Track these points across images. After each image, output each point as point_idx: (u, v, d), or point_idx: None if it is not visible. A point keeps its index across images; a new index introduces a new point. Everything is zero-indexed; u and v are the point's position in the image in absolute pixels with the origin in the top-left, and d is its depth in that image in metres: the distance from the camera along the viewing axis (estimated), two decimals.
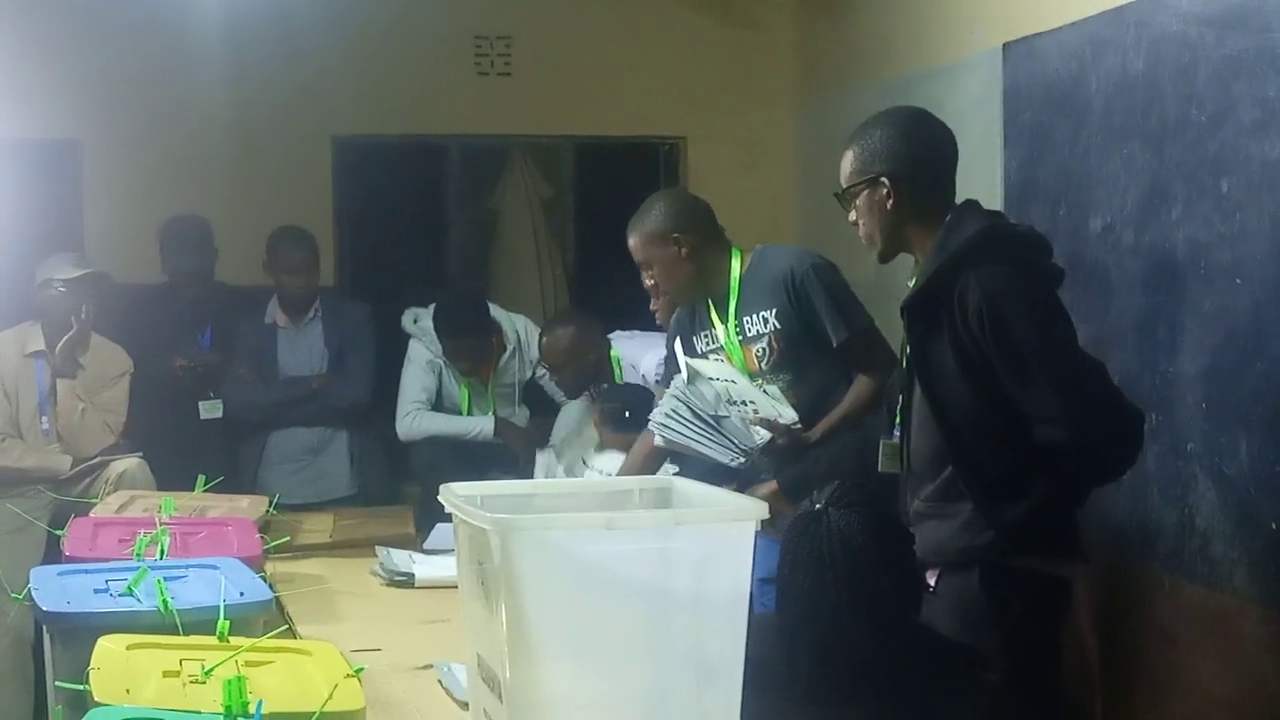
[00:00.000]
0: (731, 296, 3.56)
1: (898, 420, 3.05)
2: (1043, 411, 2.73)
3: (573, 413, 4.93)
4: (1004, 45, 4.20)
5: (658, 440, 3.53)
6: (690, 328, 3.71)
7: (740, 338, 3.55)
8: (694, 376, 3.44)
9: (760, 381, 3.54)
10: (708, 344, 3.65)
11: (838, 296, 3.53)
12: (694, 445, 3.42)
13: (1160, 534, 3.43)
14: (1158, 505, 3.42)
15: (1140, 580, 3.54)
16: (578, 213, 6.75)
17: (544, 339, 4.67)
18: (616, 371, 4.60)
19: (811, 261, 3.54)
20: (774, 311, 3.47)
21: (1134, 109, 3.53)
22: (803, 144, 6.02)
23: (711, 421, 3.38)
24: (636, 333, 4.66)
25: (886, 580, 2.28)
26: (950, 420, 2.82)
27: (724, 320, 3.58)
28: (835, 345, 3.45)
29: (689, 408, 3.40)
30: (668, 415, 3.44)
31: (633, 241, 3.67)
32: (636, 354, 4.50)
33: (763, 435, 3.37)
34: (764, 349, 3.51)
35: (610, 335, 4.63)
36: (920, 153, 2.96)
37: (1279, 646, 3.06)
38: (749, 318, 3.53)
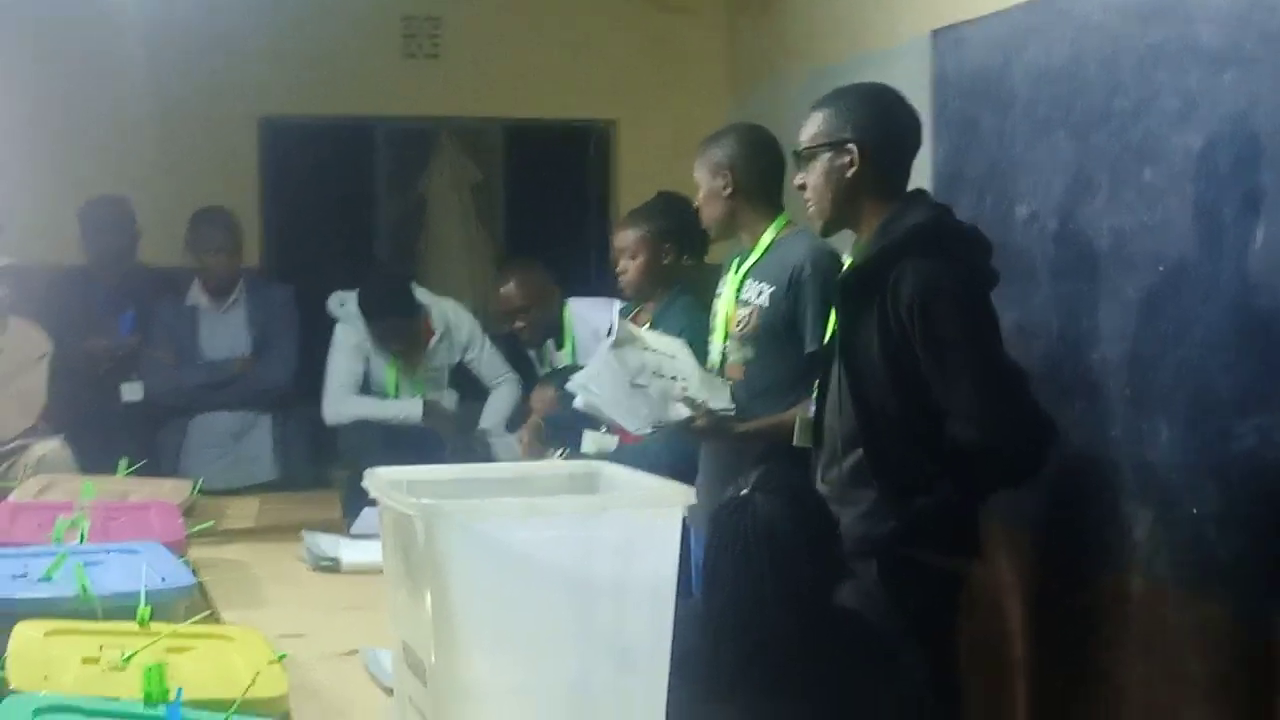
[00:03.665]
0: (752, 255, 3.55)
1: (815, 395, 3.07)
2: (957, 408, 2.76)
3: (502, 395, 4.94)
4: (932, 33, 4.22)
5: (577, 402, 3.53)
6: (728, 266, 3.69)
7: (737, 296, 3.54)
8: (623, 341, 3.44)
9: (721, 353, 3.53)
10: (721, 286, 3.66)
11: (829, 306, 3.50)
12: (605, 410, 3.44)
13: (1082, 520, 3.46)
14: (1080, 490, 3.45)
15: (1062, 565, 3.58)
16: (507, 196, 6.76)
17: (501, 288, 4.71)
18: (567, 327, 4.63)
19: (819, 261, 3.42)
20: (772, 291, 3.45)
21: (1059, 98, 3.56)
22: None
23: (626, 388, 3.38)
24: (593, 298, 4.71)
25: (811, 566, 2.29)
26: (867, 404, 2.84)
27: (736, 273, 3.58)
28: (806, 353, 3.41)
29: (608, 372, 3.40)
30: (589, 377, 3.44)
31: (696, 159, 3.65)
32: (590, 313, 4.53)
33: (681, 412, 3.36)
34: (745, 317, 3.49)
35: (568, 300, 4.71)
36: (891, 130, 2.97)
37: (1197, 630, 3.10)
38: (751, 283, 3.51)
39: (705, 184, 3.60)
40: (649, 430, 3.36)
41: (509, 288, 4.73)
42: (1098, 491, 3.39)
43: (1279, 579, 2.88)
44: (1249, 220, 2.90)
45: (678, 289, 4.03)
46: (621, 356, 3.40)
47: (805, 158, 3.00)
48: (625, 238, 4.08)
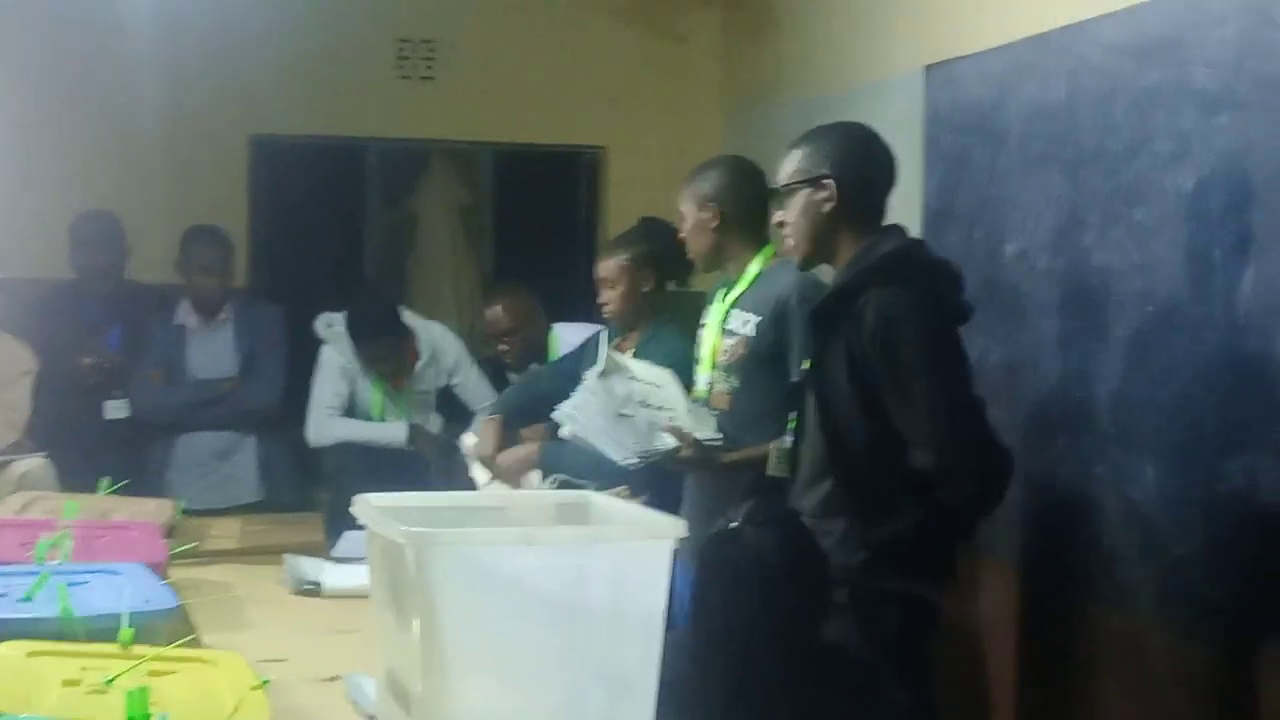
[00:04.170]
0: (738, 286, 3.56)
1: (791, 425, 3.08)
2: (913, 435, 2.77)
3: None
4: (926, 68, 4.24)
5: (564, 431, 3.52)
6: (713, 296, 3.70)
7: (723, 326, 3.54)
8: (610, 371, 3.43)
9: (708, 383, 3.53)
10: (706, 316, 3.65)
11: None
12: (590, 439, 3.42)
13: (1067, 555, 3.47)
14: (1065, 527, 3.46)
15: (1047, 600, 3.58)
16: (496, 220, 6.73)
17: (488, 310, 4.70)
18: (553, 352, 4.61)
19: (806, 291, 3.38)
20: (758, 321, 3.46)
21: (1052, 136, 3.58)
22: None
23: (612, 418, 3.37)
24: (579, 324, 4.69)
25: (799, 599, 2.29)
26: (837, 432, 2.86)
27: (722, 303, 3.58)
28: (791, 383, 3.39)
29: (595, 402, 3.39)
30: (576, 406, 3.43)
31: (683, 192, 3.66)
32: (575, 336, 4.52)
33: (667, 442, 3.35)
34: (731, 347, 3.49)
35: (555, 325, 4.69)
36: (866, 166, 3.02)
37: (1179, 667, 3.11)
38: (738, 313, 3.51)
39: (691, 216, 3.59)
40: (634, 460, 3.35)
41: (495, 310, 4.73)
42: (1082, 527, 3.39)
43: (1262, 620, 2.89)
44: (1238, 263, 2.91)
45: (663, 318, 4.00)
46: (608, 386, 3.39)
47: (784, 194, 3.05)
48: (606, 266, 4.02)
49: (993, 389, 3.09)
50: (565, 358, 4.28)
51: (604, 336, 3.65)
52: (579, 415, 3.42)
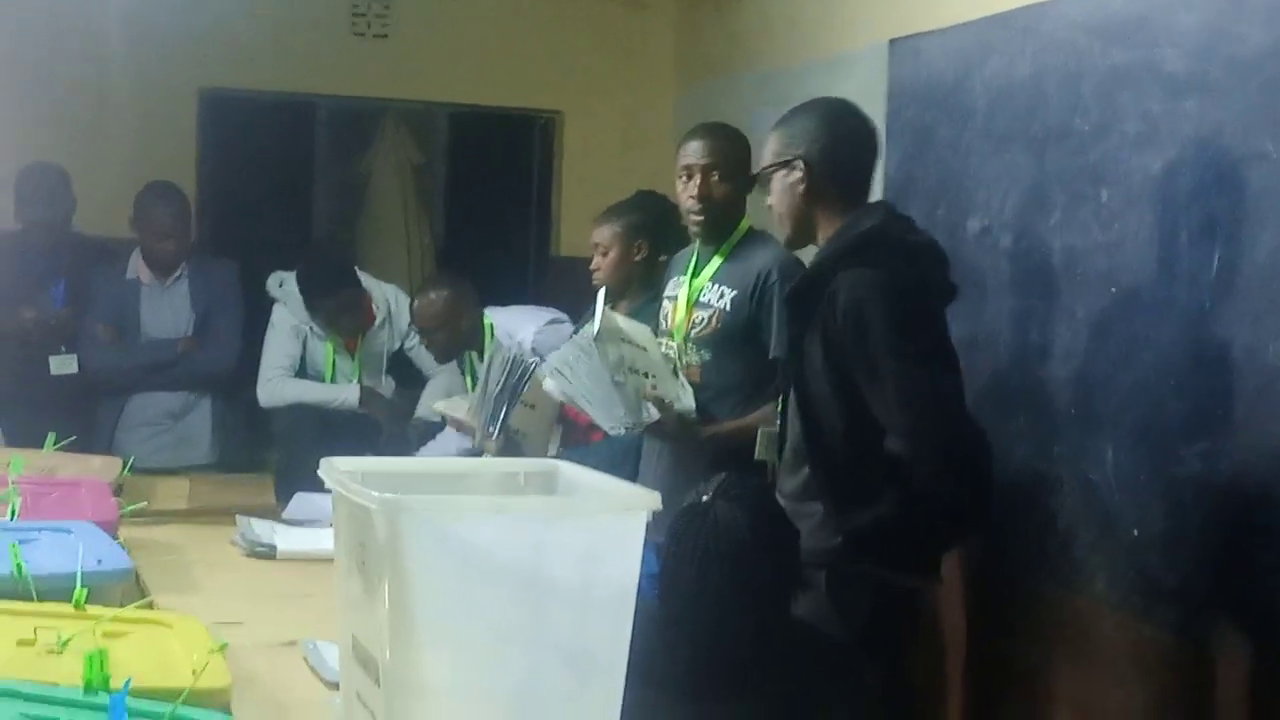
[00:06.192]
0: (716, 258, 3.52)
1: (778, 409, 3.06)
2: (888, 421, 2.75)
3: (440, 385, 4.86)
4: (890, 42, 4.22)
5: (547, 384, 3.48)
6: (678, 268, 3.65)
7: (694, 298, 3.51)
8: (604, 334, 3.38)
9: (676, 356, 3.49)
10: (673, 289, 3.62)
11: None
12: (580, 401, 3.39)
13: (1024, 535, 3.48)
14: (1022, 506, 3.46)
15: (1002, 580, 3.59)
16: (449, 182, 6.69)
17: (417, 301, 4.60)
18: (488, 339, 4.55)
19: (785, 268, 3.39)
20: (734, 295, 3.43)
21: (1017, 114, 3.57)
22: (679, 127, 5.97)
23: (605, 384, 3.34)
24: (511, 307, 4.63)
25: (770, 574, 2.28)
26: (812, 416, 2.83)
27: (695, 275, 3.54)
28: (770, 358, 3.36)
29: (588, 363, 3.35)
30: (567, 364, 3.39)
31: (713, 145, 3.54)
32: (513, 325, 4.46)
33: (651, 413, 3.33)
34: (704, 319, 3.46)
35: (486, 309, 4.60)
36: (839, 143, 2.98)
37: (1134, 649, 3.13)
38: (711, 285, 3.48)
39: (730, 180, 3.50)
40: (622, 431, 3.32)
41: (418, 307, 4.54)
42: (1039, 507, 3.40)
43: (1218, 603, 2.91)
44: (1204, 246, 2.92)
45: (652, 292, 3.90)
46: (604, 350, 3.34)
47: (764, 179, 3.03)
48: (600, 234, 4.01)
49: None
50: None
51: (601, 296, 3.62)
52: (568, 372, 3.38)
